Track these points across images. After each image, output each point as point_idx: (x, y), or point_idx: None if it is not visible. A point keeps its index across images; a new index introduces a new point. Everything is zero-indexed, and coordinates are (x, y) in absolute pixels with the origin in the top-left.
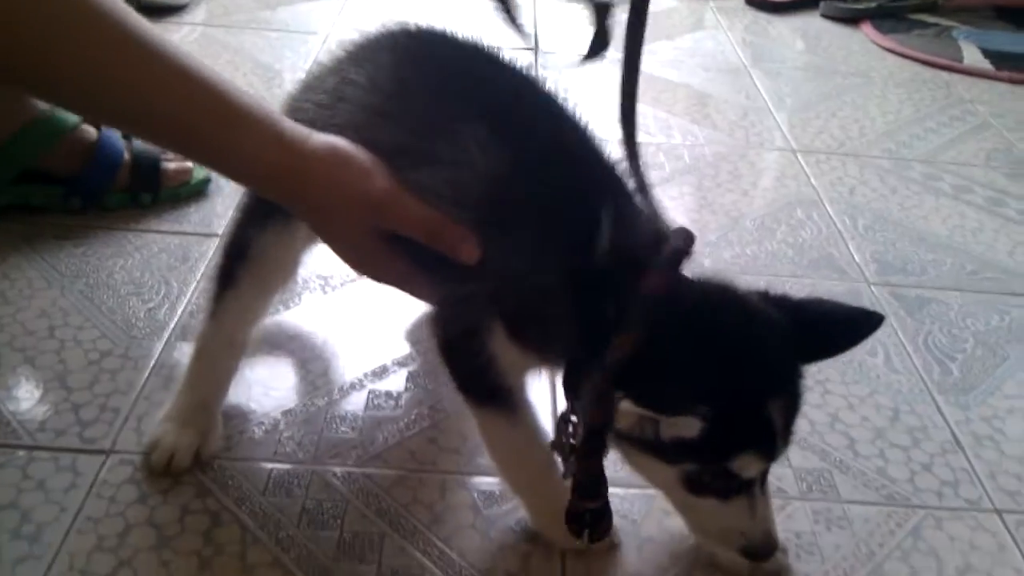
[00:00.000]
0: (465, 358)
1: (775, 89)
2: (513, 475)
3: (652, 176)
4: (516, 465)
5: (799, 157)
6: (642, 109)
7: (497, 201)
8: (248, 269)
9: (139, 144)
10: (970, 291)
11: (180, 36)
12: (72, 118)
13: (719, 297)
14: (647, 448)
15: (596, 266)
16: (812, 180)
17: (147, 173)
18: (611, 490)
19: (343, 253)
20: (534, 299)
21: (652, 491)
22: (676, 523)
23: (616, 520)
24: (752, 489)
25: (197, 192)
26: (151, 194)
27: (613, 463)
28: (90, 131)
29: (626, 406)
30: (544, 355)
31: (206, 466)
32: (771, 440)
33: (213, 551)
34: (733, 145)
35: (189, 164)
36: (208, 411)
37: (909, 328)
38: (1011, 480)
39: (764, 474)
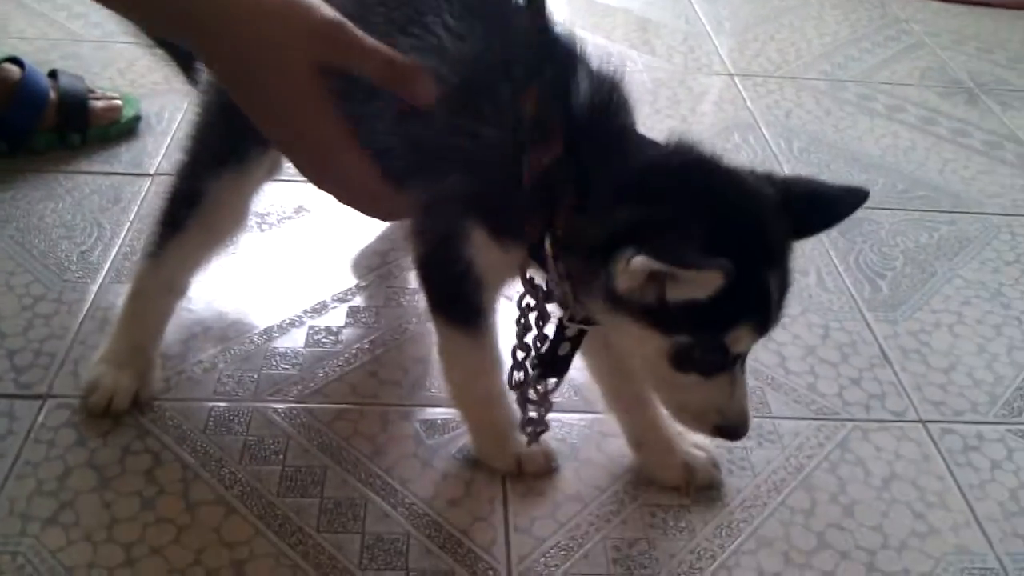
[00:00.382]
0: (443, 269)
1: (714, 13)
2: (465, 398)
3: None
4: (470, 388)
5: (737, 81)
6: (580, 36)
7: (471, 81)
8: (199, 216)
9: (65, 82)
10: (901, 209)
11: None
12: None
13: (718, 164)
14: (643, 316)
15: (579, 123)
16: (749, 104)
17: (74, 112)
18: (550, 415)
19: (280, 117)
20: (517, 172)
21: (591, 415)
22: (614, 446)
23: (555, 444)
24: (735, 367)
25: (127, 131)
26: (80, 134)
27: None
28: (12, 70)
29: (640, 261)
30: (525, 244)
31: (145, 407)
32: (767, 313)
33: (155, 490)
34: (672, 71)
35: (118, 102)
36: (145, 353)
37: (841, 248)
38: (936, 391)
39: (746, 354)
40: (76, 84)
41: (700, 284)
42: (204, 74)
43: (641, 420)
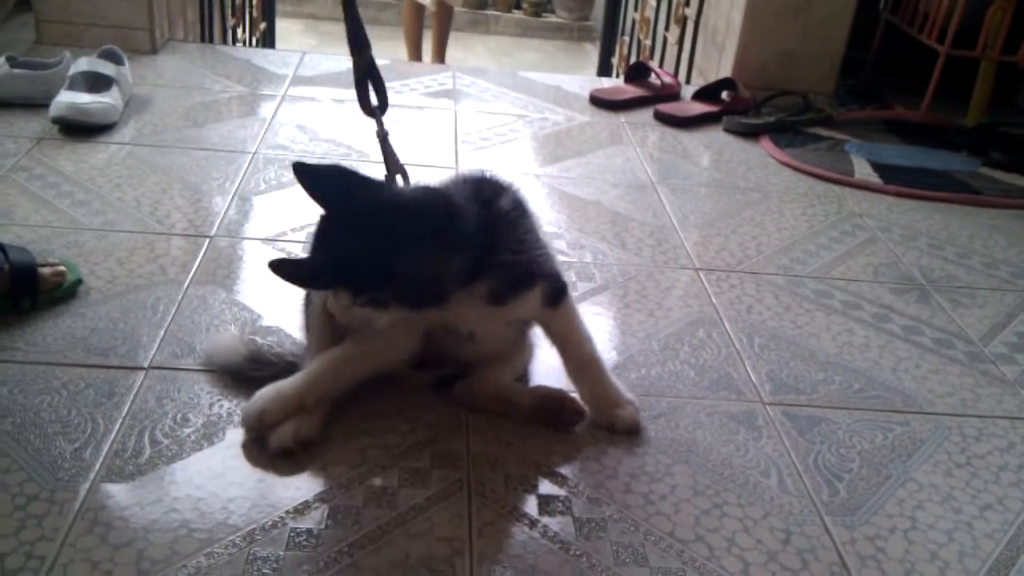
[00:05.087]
0: None
1: (680, 206)
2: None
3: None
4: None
5: (701, 276)
6: (557, 229)
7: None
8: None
9: (14, 255)
10: (856, 409)
11: (107, 156)
12: None
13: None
14: None
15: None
16: (713, 299)
17: (25, 279)
18: None
19: None
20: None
21: None
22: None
23: None
24: None
25: (71, 294)
26: (30, 299)
27: None
28: None
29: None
30: None
31: None
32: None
33: None
34: (640, 264)
35: (62, 268)
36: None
37: (800, 448)
38: None
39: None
40: (24, 255)
41: None
42: None
43: (588, 387)
